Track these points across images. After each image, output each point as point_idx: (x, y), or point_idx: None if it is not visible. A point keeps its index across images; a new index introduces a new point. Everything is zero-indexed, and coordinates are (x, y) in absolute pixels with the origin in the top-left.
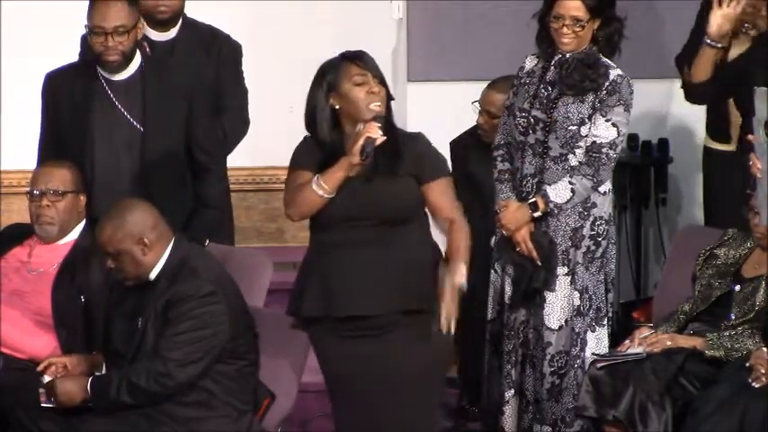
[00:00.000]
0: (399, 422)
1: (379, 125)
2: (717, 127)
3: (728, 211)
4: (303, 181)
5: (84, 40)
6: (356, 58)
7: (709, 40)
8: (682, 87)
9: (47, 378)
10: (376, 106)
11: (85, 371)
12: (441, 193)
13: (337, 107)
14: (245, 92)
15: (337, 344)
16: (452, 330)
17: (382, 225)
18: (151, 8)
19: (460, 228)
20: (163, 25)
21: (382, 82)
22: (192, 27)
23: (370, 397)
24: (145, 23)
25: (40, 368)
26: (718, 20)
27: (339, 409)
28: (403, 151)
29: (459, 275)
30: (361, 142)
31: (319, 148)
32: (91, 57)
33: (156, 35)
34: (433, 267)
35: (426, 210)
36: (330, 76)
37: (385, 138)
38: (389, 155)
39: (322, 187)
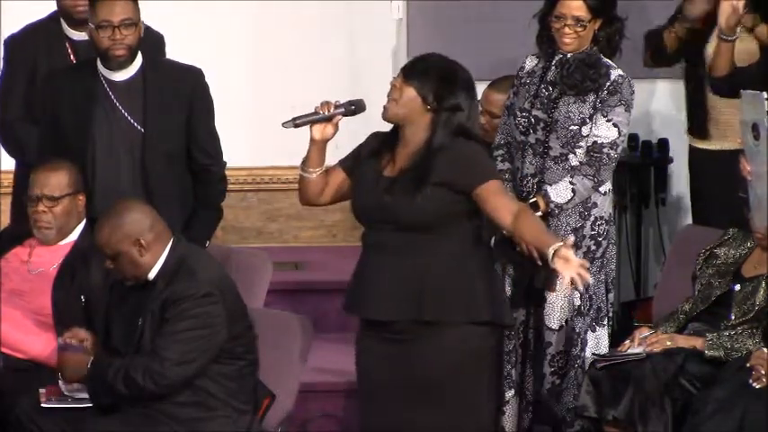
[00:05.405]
0: (428, 427)
1: (337, 105)
2: (696, 125)
3: (715, 210)
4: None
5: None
6: None
7: (722, 35)
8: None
9: (67, 340)
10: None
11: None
12: (493, 194)
13: None
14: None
15: (369, 344)
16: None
17: (403, 231)
18: (69, 8)
19: (526, 210)
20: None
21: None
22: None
23: (397, 400)
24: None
25: (66, 337)
26: (725, 13)
27: (366, 409)
28: (437, 158)
29: (564, 250)
30: (310, 118)
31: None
32: (85, 56)
33: None
34: (467, 278)
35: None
36: None
37: (334, 114)
38: (422, 161)
39: (303, 168)
